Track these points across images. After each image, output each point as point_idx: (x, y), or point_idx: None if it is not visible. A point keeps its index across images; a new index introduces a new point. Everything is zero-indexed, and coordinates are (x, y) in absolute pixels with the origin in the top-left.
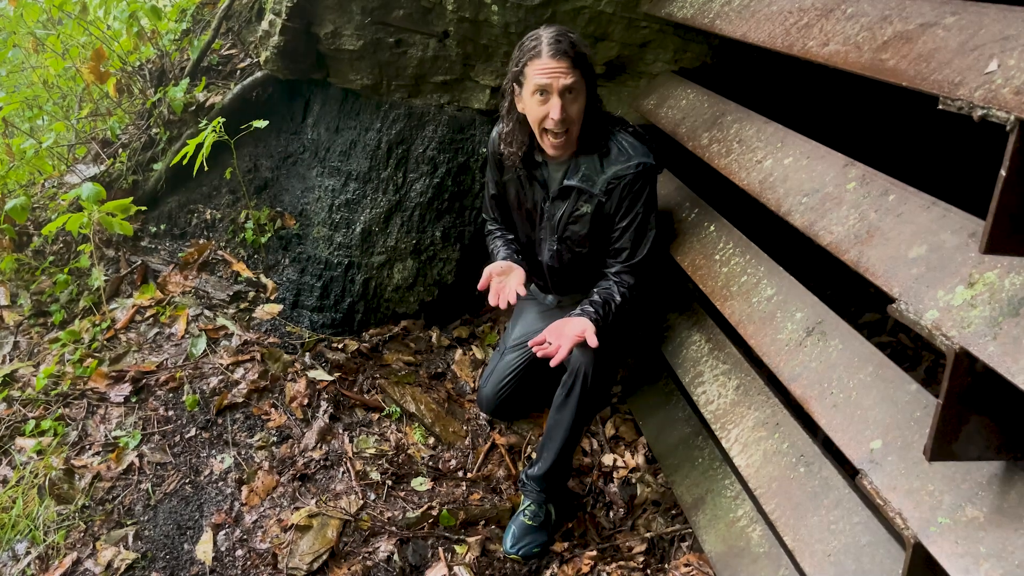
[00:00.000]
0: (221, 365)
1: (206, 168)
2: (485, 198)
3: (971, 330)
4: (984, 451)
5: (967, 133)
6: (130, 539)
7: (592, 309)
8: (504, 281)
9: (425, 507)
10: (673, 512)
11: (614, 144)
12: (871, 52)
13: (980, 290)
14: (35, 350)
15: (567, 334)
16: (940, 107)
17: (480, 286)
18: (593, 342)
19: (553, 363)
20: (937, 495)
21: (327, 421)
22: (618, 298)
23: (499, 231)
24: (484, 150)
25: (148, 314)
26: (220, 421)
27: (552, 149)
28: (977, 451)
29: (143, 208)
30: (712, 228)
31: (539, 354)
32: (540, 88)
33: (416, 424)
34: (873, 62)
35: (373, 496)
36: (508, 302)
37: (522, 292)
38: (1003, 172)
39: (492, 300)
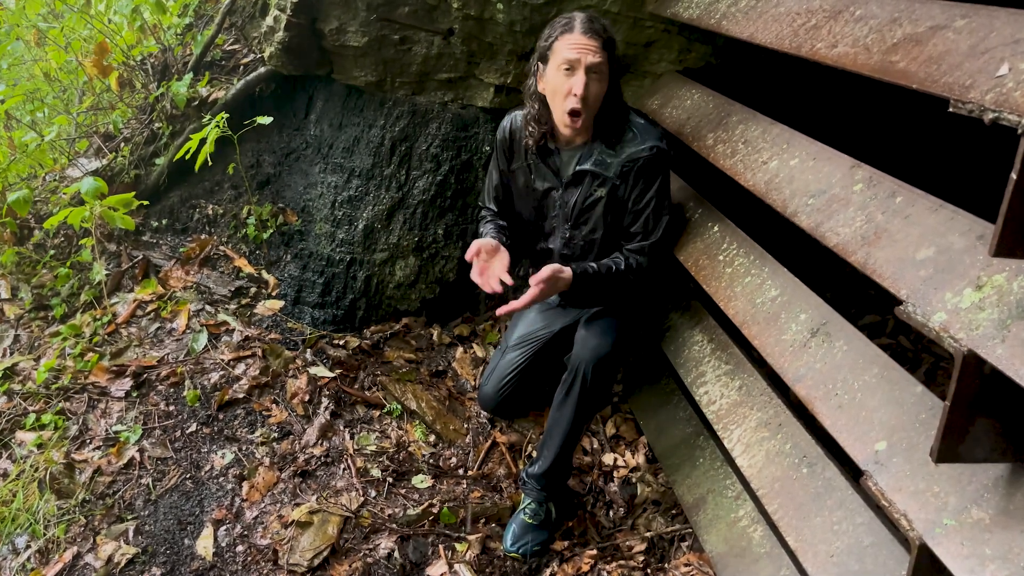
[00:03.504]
0: (222, 361)
1: (209, 163)
2: (486, 187)
3: (979, 332)
4: (990, 453)
5: (977, 136)
6: (130, 534)
7: (584, 265)
8: (490, 263)
9: (426, 504)
10: (673, 512)
11: (628, 129)
12: (880, 54)
13: (988, 293)
14: (36, 344)
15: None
16: (951, 110)
17: (468, 256)
18: (546, 273)
19: (522, 302)
20: (943, 497)
21: (328, 418)
22: (622, 265)
23: (492, 218)
24: (488, 148)
25: (149, 309)
26: (221, 417)
27: (567, 130)
28: (983, 453)
29: (145, 203)
30: (716, 228)
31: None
32: (568, 62)
33: (417, 421)
34: (883, 64)
35: (374, 493)
36: (492, 288)
37: (507, 280)
38: (1014, 175)
39: (476, 276)
